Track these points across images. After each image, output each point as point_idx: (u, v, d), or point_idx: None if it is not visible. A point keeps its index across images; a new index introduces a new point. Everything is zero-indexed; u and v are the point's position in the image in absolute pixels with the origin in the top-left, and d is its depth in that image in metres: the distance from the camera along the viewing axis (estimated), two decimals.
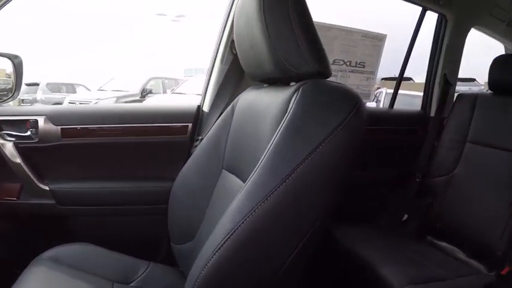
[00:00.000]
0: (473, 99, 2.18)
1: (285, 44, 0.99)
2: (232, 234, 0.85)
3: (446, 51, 2.38)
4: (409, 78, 10.71)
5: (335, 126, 0.89)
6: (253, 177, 0.91)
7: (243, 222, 0.85)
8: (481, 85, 11.63)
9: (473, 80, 11.70)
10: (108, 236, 1.62)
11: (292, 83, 1.08)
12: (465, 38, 2.44)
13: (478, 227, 1.98)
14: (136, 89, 11.26)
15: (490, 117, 2.10)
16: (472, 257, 1.98)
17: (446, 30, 2.37)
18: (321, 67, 1.00)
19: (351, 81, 2.08)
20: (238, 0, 1.23)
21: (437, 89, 2.41)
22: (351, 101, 0.94)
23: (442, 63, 2.39)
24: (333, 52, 1.97)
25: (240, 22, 1.17)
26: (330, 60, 1.98)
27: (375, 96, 9.85)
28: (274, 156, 0.90)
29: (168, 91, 11.53)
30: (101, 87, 12.14)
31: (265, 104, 1.12)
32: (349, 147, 0.93)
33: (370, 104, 9.05)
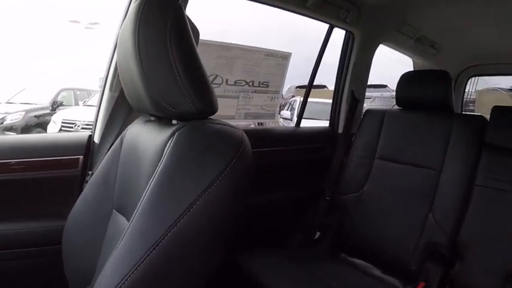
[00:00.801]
0: (381, 115, 2.20)
1: (161, 81, 0.88)
2: None
3: (354, 68, 2.39)
4: (323, 86, 11.02)
5: (211, 181, 0.80)
6: (129, 229, 0.81)
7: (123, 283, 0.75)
8: (392, 91, 12.23)
9: (384, 86, 12.27)
10: (3, 283, 1.51)
11: (174, 121, 0.98)
12: (373, 54, 2.48)
13: (391, 242, 1.99)
14: (46, 101, 10.57)
15: (398, 133, 2.13)
16: (387, 273, 1.99)
17: (353, 47, 2.38)
18: (204, 105, 0.91)
19: (254, 101, 2.02)
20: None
21: (344, 105, 2.42)
22: (234, 145, 0.85)
23: (350, 80, 2.39)
24: (234, 73, 1.90)
25: (121, 52, 1.05)
26: (231, 81, 1.92)
27: (290, 104, 10.05)
28: (146, 212, 0.80)
29: (81, 103, 10.95)
30: (9, 99, 11.27)
31: (146, 143, 1.02)
32: (230, 197, 0.85)
33: (285, 113, 9.25)
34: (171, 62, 0.87)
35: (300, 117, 2.37)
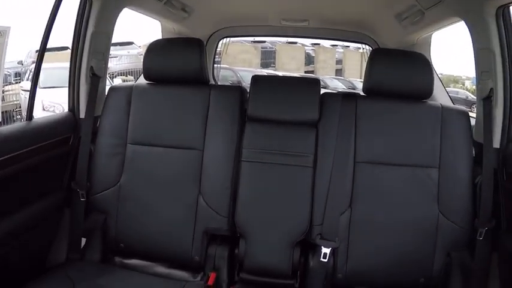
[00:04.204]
0: (127, 92, 1.95)
1: None
2: None
3: (93, 39, 1.97)
4: (66, 48, 9.99)
5: None
6: None
7: None
8: (139, 47, 12.04)
9: (131, 43, 11.94)
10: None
11: None
12: (115, 21, 2.11)
13: (167, 236, 1.86)
14: None
15: (150, 112, 1.93)
16: (172, 267, 1.88)
17: (91, 14, 1.95)
18: None
19: None
20: None
21: (84, 84, 2.00)
22: None
23: (88, 54, 1.98)
24: None
25: None
26: None
27: (31, 71, 8.88)
28: None
29: None
30: None
31: None
32: None
33: (26, 84, 8.14)
34: None
35: (31, 108, 1.85)
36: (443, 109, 1.82)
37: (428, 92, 1.82)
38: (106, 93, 2.02)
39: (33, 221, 1.76)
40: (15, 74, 12.31)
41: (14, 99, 9.71)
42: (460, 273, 1.72)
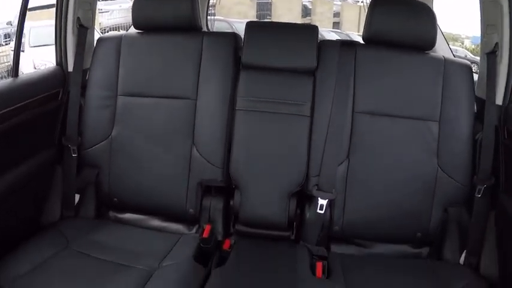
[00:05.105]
0: (116, 42, 1.89)
1: None
2: None
3: None
4: (52, 6, 9.67)
5: None
6: None
7: None
8: (130, 0, 11.74)
9: None
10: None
11: None
12: None
13: (160, 188, 1.84)
14: None
15: (140, 62, 1.88)
16: (168, 220, 1.89)
17: None
18: None
19: None
20: None
21: (71, 37, 1.93)
22: None
23: (74, 4, 1.90)
24: None
25: None
26: None
27: None
28: None
29: None
30: None
31: None
32: None
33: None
34: None
35: (16, 64, 1.78)
36: (446, 61, 1.76)
37: (430, 42, 1.76)
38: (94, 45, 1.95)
39: (25, 180, 1.72)
40: (5, 35, 12.06)
41: (5, 60, 9.54)
42: (456, 229, 1.73)
